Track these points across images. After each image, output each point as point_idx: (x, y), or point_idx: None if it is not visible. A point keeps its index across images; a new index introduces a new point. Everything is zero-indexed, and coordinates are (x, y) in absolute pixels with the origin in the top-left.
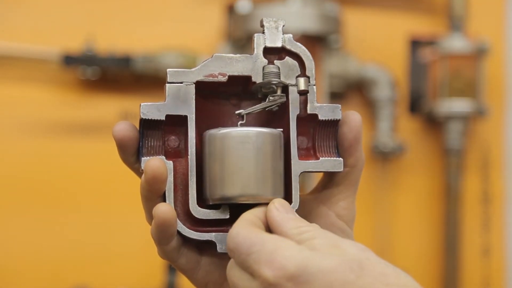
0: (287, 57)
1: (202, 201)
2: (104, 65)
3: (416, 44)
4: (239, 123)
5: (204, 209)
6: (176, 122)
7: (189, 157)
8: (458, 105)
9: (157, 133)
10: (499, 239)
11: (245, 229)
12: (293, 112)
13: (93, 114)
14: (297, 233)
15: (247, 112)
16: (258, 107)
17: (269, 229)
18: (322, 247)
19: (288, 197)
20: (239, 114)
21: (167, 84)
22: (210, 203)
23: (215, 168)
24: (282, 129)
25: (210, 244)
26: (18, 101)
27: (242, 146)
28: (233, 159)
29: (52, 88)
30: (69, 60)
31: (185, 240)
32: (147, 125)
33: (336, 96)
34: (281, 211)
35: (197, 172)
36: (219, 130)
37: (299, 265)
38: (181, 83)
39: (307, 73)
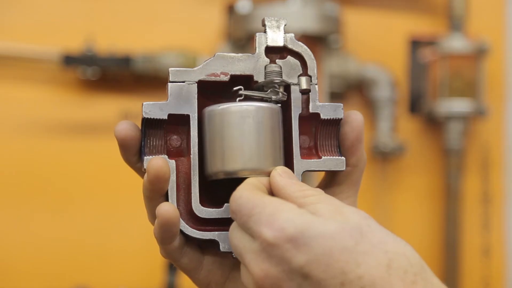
0: (289, 56)
1: (204, 201)
2: (104, 65)
3: (416, 44)
4: (237, 99)
5: (206, 208)
6: (178, 121)
7: (191, 156)
8: (458, 105)
9: (159, 132)
10: (499, 239)
11: (248, 191)
12: (295, 111)
13: (93, 114)
14: (301, 196)
15: (245, 92)
16: (257, 93)
17: (272, 195)
18: (325, 212)
19: None
20: (237, 91)
21: (169, 83)
22: (213, 179)
23: (216, 143)
24: (280, 105)
25: (213, 243)
26: (18, 101)
27: (243, 120)
28: (234, 133)
29: (52, 88)
30: (69, 60)
31: (187, 239)
32: (149, 125)
33: (336, 96)
34: (284, 176)
35: (199, 172)
36: (218, 106)
37: (299, 227)
38: (183, 82)
39: (309, 72)
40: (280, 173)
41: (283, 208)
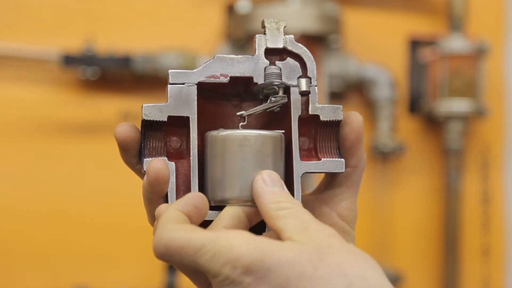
0: (288, 58)
1: None
2: (104, 65)
3: (416, 44)
4: (240, 125)
5: None
6: (178, 123)
7: (191, 158)
8: (458, 105)
9: (159, 134)
10: (499, 239)
11: (182, 231)
12: (295, 113)
13: (93, 114)
14: (274, 208)
15: (248, 113)
16: (259, 108)
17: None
18: (290, 228)
19: None
20: (241, 115)
21: (169, 85)
22: (212, 204)
23: (216, 169)
24: (283, 131)
25: None
26: (18, 101)
27: (241, 148)
28: (233, 161)
29: (52, 88)
30: (69, 60)
31: None
32: (149, 126)
33: (336, 96)
34: (267, 183)
35: (199, 173)
36: (219, 132)
37: (257, 259)
38: (183, 84)
39: (309, 74)
40: (264, 178)
41: (236, 242)
